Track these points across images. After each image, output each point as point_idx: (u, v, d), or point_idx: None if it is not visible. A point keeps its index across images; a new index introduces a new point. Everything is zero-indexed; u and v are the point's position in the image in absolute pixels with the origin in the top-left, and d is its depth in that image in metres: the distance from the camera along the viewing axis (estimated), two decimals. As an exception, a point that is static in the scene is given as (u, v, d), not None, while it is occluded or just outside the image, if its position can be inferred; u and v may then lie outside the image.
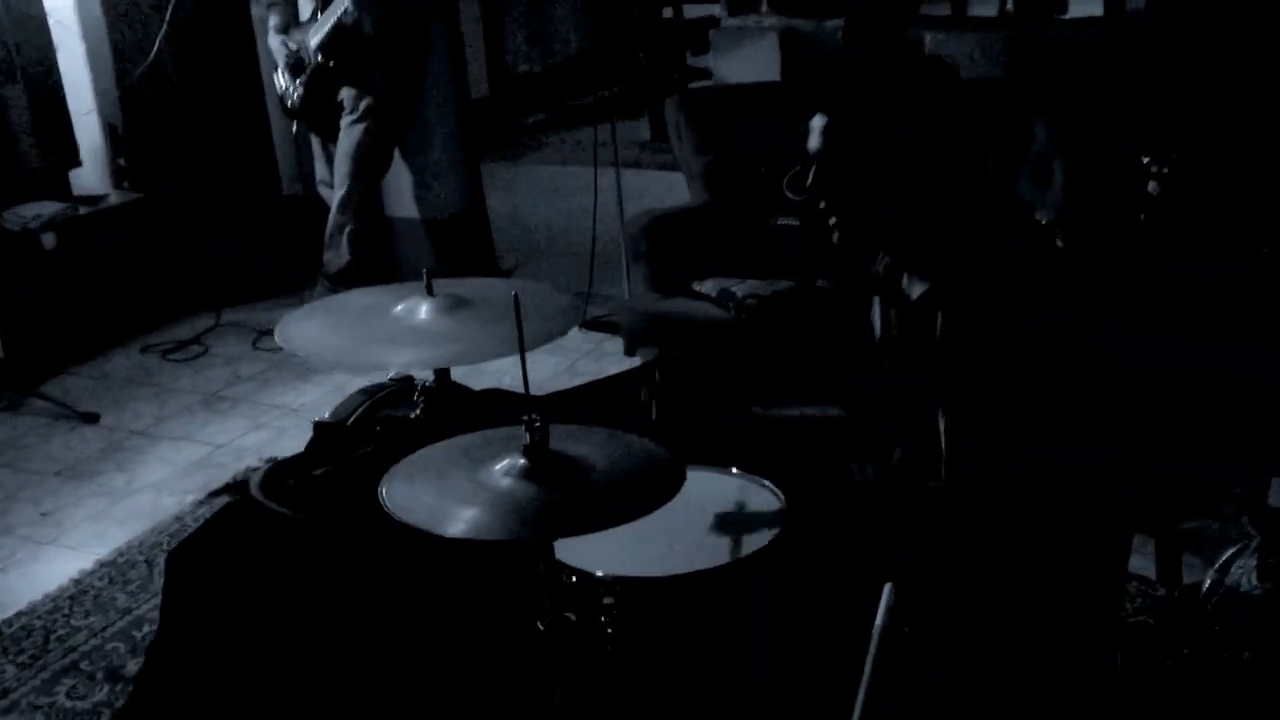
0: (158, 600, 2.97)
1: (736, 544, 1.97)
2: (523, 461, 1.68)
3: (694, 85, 5.34)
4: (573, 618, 1.81)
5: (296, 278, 5.16)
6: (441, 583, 1.81)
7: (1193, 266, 3.32)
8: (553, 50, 8.81)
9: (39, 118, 4.53)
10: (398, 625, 1.89)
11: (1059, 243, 4.11)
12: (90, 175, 4.92)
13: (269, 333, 4.75)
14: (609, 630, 1.82)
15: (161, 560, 3.17)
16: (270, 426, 3.98)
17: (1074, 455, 2.07)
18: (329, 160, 4.93)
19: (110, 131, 4.91)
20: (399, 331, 2.29)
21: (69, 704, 2.62)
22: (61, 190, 4.68)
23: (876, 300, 2.14)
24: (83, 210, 4.61)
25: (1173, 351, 2.88)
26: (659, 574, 1.88)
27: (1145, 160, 3.40)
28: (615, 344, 4.19)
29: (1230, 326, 3.07)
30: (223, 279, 5.01)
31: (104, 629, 2.88)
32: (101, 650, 2.79)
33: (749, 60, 4.92)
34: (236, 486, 3.50)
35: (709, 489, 2.12)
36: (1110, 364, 2.52)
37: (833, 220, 1.98)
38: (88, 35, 4.84)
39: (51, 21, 4.67)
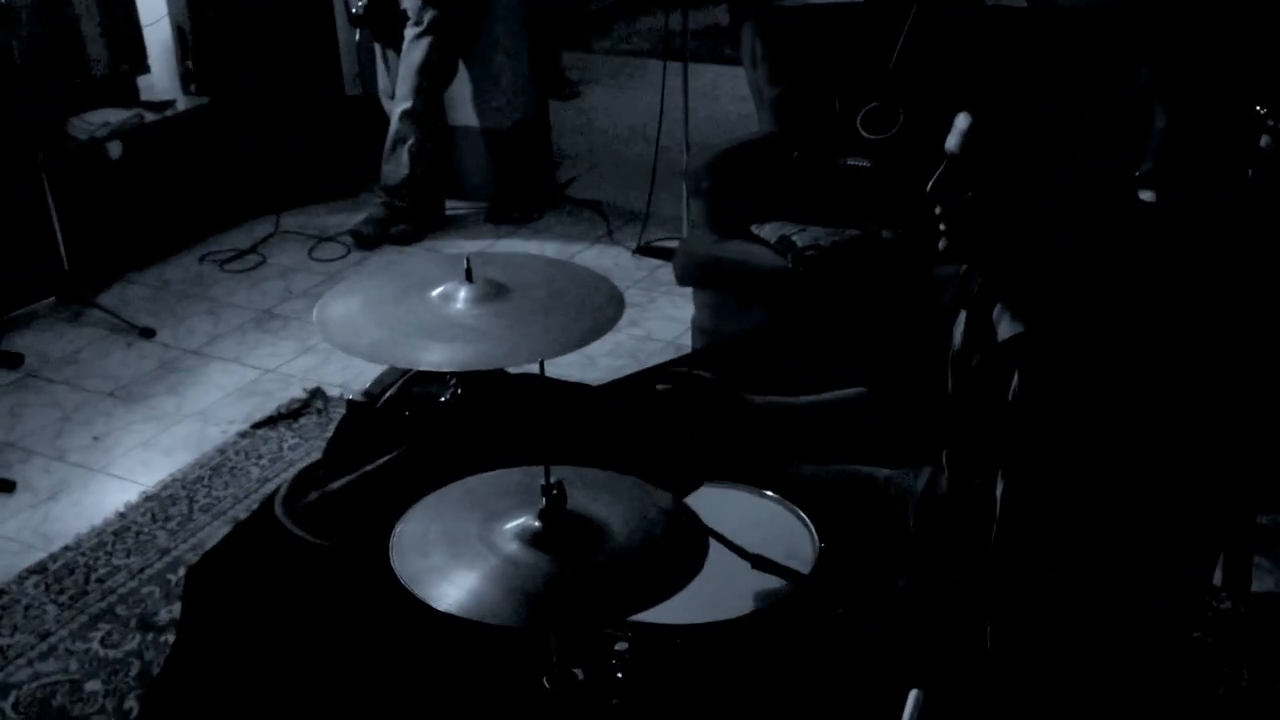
0: (194, 540, 3.05)
1: (766, 588, 1.88)
2: (536, 525, 1.64)
3: (775, 3, 5.09)
4: (580, 675, 1.78)
5: (356, 180, 5.14)
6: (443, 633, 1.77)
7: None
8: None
9: (108, 23, 4.48)
10: (403, 667, 1.88)
11: (1148, 195, 3.88)
12: (159, 79, 4.89)
13: (326, 239, 4.80)
14: (619, 677, 1.79)
15: (202, 496, 3.23)
16: (318, 350, 3.99)
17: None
18: (390, 70, 4.83)
19: (179, 35, 4.85)
20: (434, 323, 2.24)
21: (103, 651, 2.69)
22: (129, 96, 4.65)
23: (963, 314, 2.00)
24: (149, 118, 4.58)
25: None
26: (679, 620, 1.79)
27: (1261, 110, 3.16)
28: (668, 272, 4.11)
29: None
30: (285, 182, 5.00)
31: (142, 570, 2.95)
32: (137, 594, 2.86)
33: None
34: (277, 419, 3.54)
35: (740, 516, 2.04)
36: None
37: (943, 226, 1.84)
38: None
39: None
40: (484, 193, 5.15)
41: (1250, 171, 3.22)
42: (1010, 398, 1.77)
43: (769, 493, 2.09)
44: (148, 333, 4.10)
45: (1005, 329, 1.84)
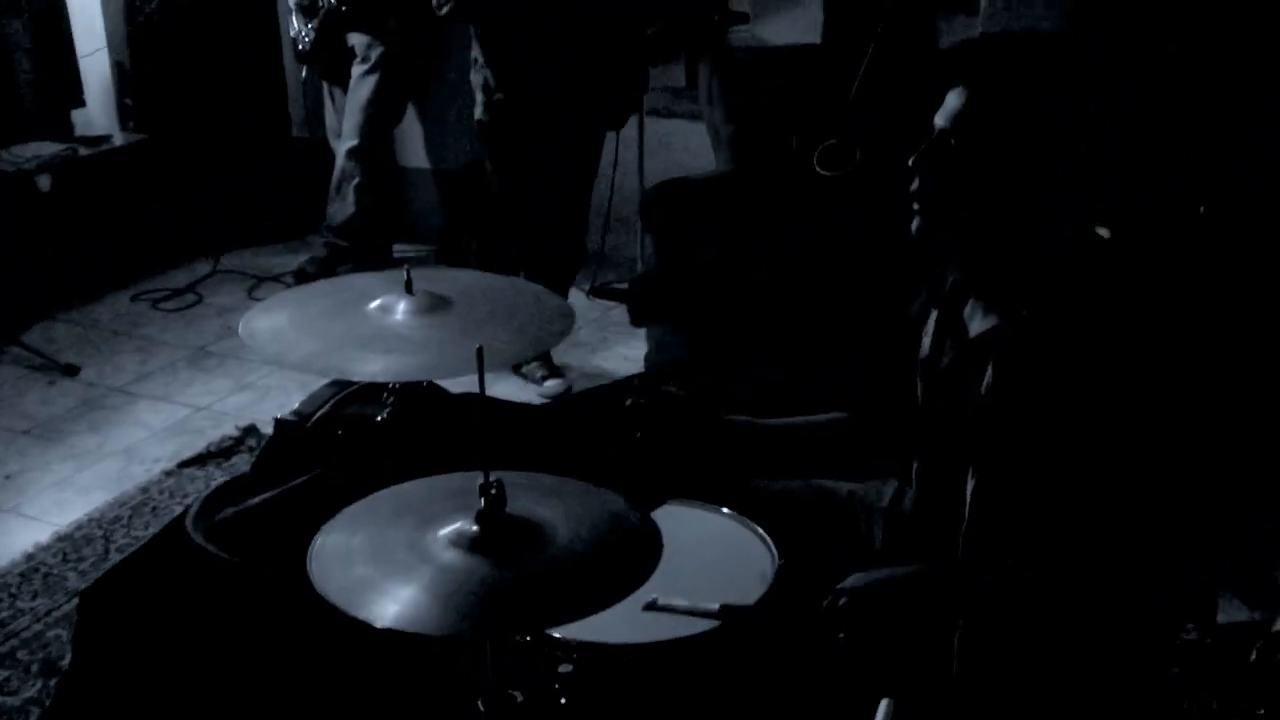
0: (110, 583, 2.82)
1: (719, 606, 1.74)
2: (474, 529, 1.47)
3: (731, 44, 5.04)
4: (519, 697, 1.60)
5: (302, 222, 4.98)
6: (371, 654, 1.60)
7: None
8: None
9: (42, 54, 4.33)
10: (324, 692, 1.70)
11: (1103, 231, 3.82)
12: (97, 114, 4.72)
13: (269, 279, 4.62)
14: (563, 702, 1.62)
15: (120, 536, 3.01)
16: (255, 387, 3.80)
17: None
18: (338, 108, 4.70)
19: (118, 70, 4.69)
20: (371, 334, 2.10)
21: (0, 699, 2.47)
22: (63, 130, 4.48)
23: (935, 315, 1.88)
24: (83, 152, 4.41)
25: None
26: (627, 640, 1.64)
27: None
28: (622, 313, 4.00)
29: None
30: (226, 222, 4.82)
31: (49, 613, 2.72)
32: (42, 639, 2.63)
33: (791, 20, 4.63)
34: (207, 458, 3.33)
35: (694, 532, 1.91)
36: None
37: (917, 205, 1.71)
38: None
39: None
40: (434, 235, 5.00)
41: (1202, 208, 3.17)
42: (983, 391, 1.65)
43: (726, 510, 1.95)
44: (70, 370, 3.88)
45: (978, 324, 1.73)
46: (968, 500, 1.67)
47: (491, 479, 1.46)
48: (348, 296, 2.27)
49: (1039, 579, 1.60)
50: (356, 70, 4.51)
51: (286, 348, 2.08)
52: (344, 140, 4.62)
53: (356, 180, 4.61)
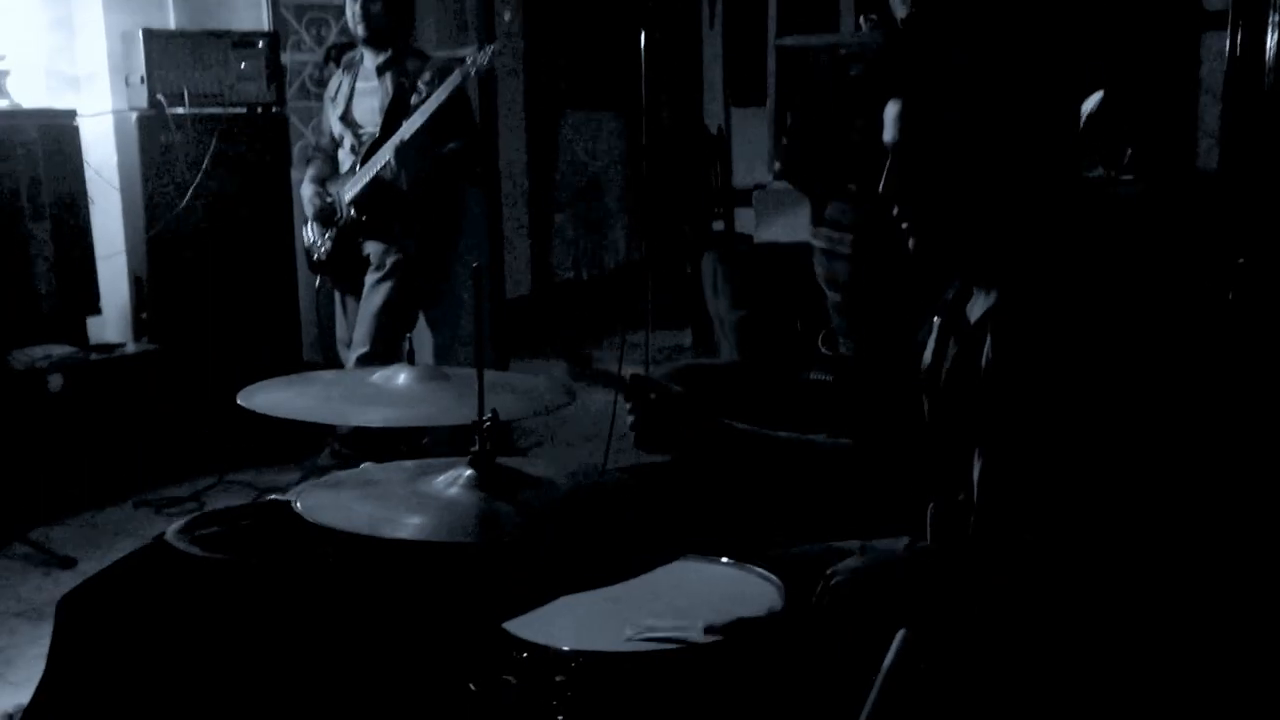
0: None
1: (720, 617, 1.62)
2: (469, 472, 1.40)
3: (734, 243, 5.23)
4: (512, 680, 1.46)
5: (306, 444, 4.96)
6: (369, 622, 1.49)
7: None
8: (600, 260, 8.84)
9: (62, 259, 4.45)
10: (315, 674, 1.57)
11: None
12: (111, 327, 4.83)
13: (270, 492, 4.55)
14: (559, 716, 1.48)
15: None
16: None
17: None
18: (349, 317, 4.79)
19: (135, 284, 4.83)
20: (371, 394, 2.13)
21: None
22: (78, 336, 4.57)
23: (936, 322, 1.84)
24: (95, 357, 4.48)
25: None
26: (624, 648, 1.54)
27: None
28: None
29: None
30: (232, 440, 4.81)
31: (24, 763, 2.53)
32: (14, 784, 2.44)
33: (790, 223, 4.81)
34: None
35: (695, 575, 1.82)
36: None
37: (905, 225, 1.69)
38: (124, 188, 4.82)
39: (90, 173, 4.66)
40: (442, 449, 4.98)
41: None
42: (983, 366, 1.59)
43: (724, 559, 1.86)
44: (67, 562, 3.80)
45: (978, 309, 1.69)
46: (975, 485, 1.59)
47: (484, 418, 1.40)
48: (348, 375, 2.27)
49: (1052, 557, 1.50)
50: (370, 278, 4.61)
51: (284, 403, 2.08)
52: (354, 349, 4.66)
53: (366, 388, 4.63)
